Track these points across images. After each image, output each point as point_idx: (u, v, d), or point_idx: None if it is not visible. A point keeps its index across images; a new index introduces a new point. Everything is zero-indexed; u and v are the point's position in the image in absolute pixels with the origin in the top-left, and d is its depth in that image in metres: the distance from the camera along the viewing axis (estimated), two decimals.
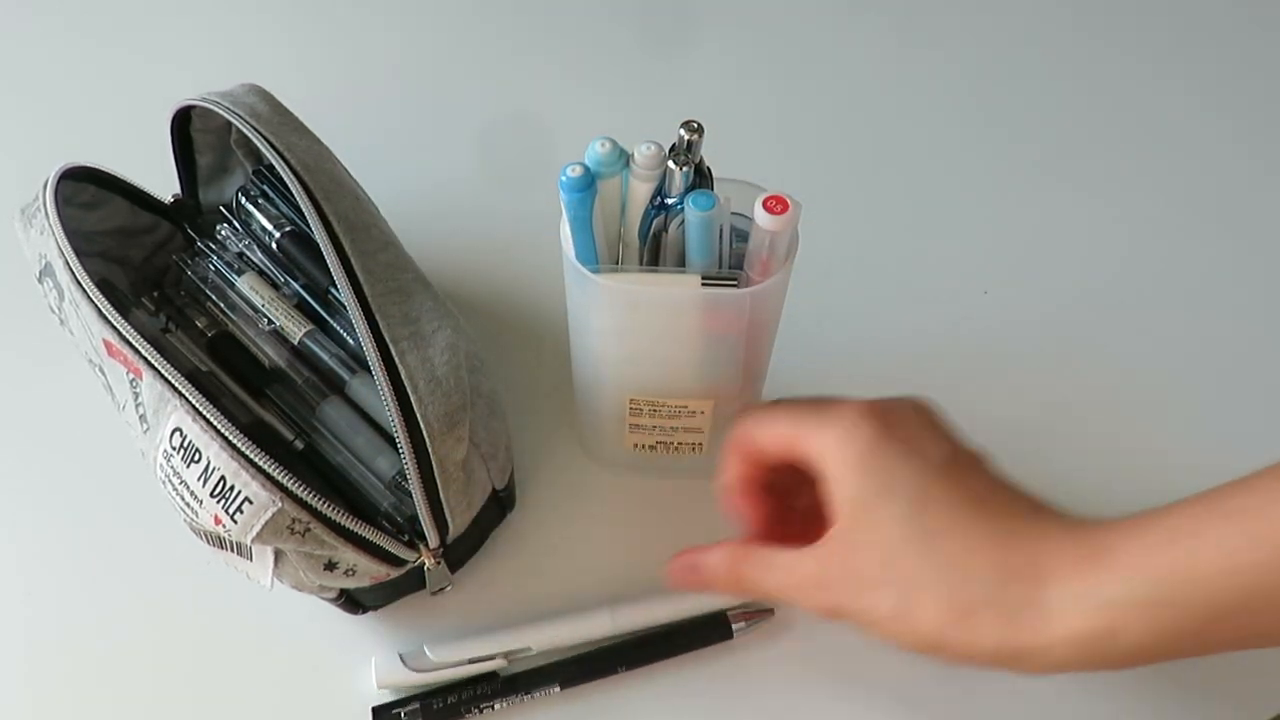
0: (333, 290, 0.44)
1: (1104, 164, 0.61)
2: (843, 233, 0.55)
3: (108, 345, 0.40)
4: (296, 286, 0.45)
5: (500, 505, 0.46)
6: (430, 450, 0.38)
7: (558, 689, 0.44)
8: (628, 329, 0.41)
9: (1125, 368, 0.53)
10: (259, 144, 0.42)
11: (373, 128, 0.61)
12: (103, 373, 0.42)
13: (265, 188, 0.47)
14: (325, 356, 0.43)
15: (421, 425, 0.38)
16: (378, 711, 0.44)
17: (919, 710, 0.44)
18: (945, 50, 0.66)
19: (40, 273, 0.43)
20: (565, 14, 0.67)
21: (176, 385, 0.37)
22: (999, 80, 0.64)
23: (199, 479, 0.37)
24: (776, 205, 0.35)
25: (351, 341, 0.43)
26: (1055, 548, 0.33)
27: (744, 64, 0.65)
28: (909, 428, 0.37)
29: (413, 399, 0.38)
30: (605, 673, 0.45)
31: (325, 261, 0.40)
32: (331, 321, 0.44)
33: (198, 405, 0.37)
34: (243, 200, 0.47)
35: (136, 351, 0.38)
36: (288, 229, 0.46)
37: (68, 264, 0.40)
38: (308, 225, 0.41)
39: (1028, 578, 0.33)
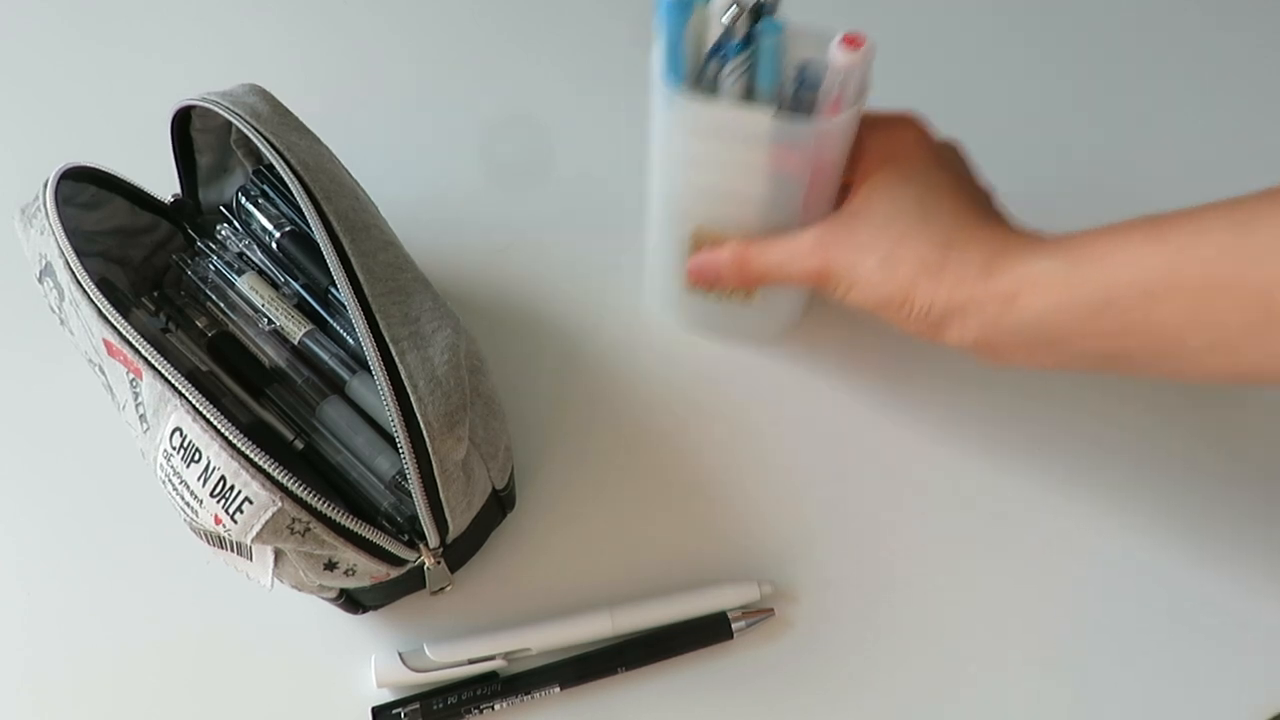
0: (333, 290, 0.44)
1: (1102, 164, 0.61)
2: None
3: (108, 345, 0.40)
4: (296, 286, 0.45)
5: (500, 505, 0.46)
6: (430, 450, 0.38)
7: (558, 689, 0.44)
8: (700, 157, 0.43)
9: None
10: (259, 144, 0.42)
11: (373, 128, 0.61)
12: (103, 372, 0.42)
13: (265, 188, 0.47)
14: (325, 356, 0.43)
15: (421, 425, 0.38)
16: (377, 712, 0.44)
17: (917, 710, 0.44)
18: (947, 53, 0.65)
19: (40, 273, 0.43)
20: (565, 14, 0.67)
21: (176, 385, 0.37)
22: (1002, 80, 0.64)
23: (199, 479, 0.37)
24: (852, 43, 0.37)
25: (351, 341, 0.43)
26: (1022, 237, 0.39)
27: None
28: (945, 148, 0.43)
29: (412, 399, 0.38)
30: (605, 673, 0.45)
31: (325, 261, 0.40)
32: (332, 321, 0.44)
33: (198, 405, 0.37)
34: (243, 200, 0.47)
35: (136, 351, 0.38)
36: (288, 229, 0.46)
37: (68, 264, 0.40)
38: (308, 225, 0.41)
39: (990, 251, 0.39)
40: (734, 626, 0.45)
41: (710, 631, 0.45)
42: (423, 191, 0.59)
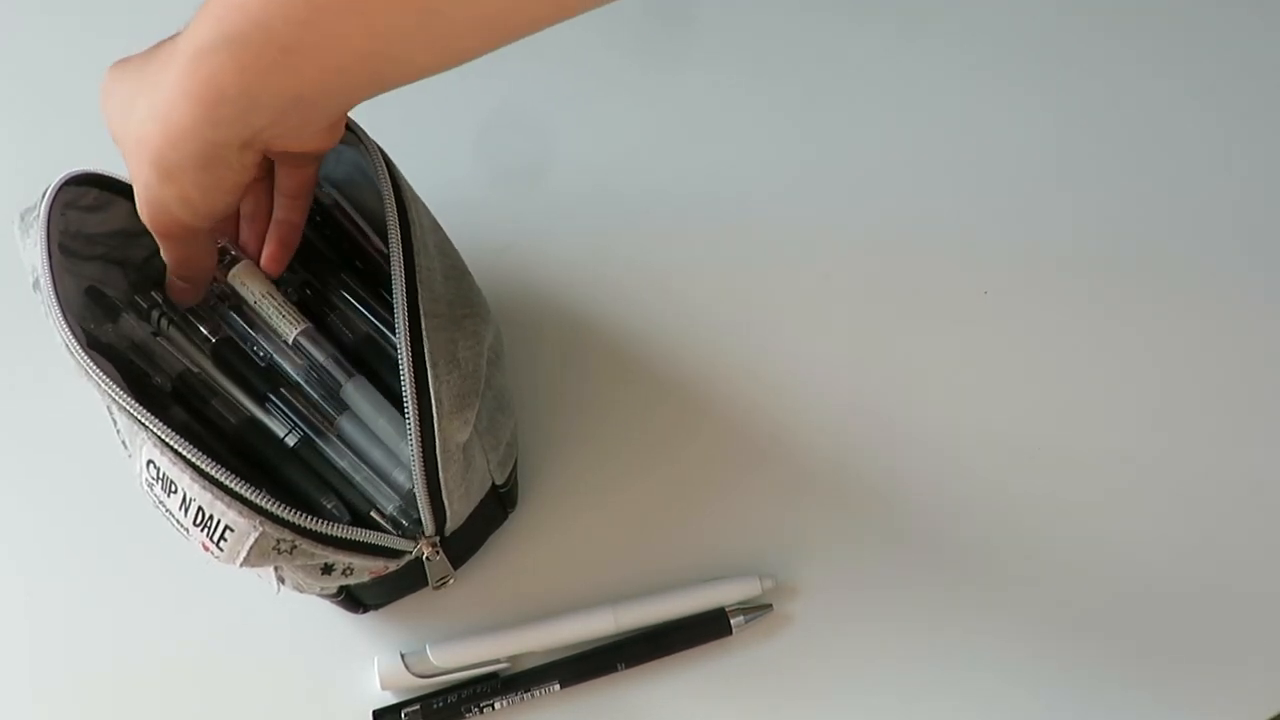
0: (344, 275, 0.44)
1: (1101, 164, 0.60)
2: (839, 239, 0.55)
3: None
4: (302, 275, 0.44)
5: (502, 504, 0.46)
6: (436, 428, 0.37)
7: (557, 687, 0.44)
8: None
9: (1129, 370, 0.53)
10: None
11: (370, 128, 0.61)
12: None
13: None
14: (321, 358, 0.42)
15: (433, 400, 0.37)
16: (379, 714, 0.44)
17: (917, 705, 0.44)
18: (948, 53, 0.64)
19: (33, 284, 0.43)
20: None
21: (140, 419, 0.36)
22: (1000, 82, 0.63)
23: (180, 509, 0.36)
24: None
25: (351, 337, 0.43)
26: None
27: (744, 66, 0.65)
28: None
29: (430, 374, 0.37)
30: (605, 670, 0.45)
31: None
32: (331, 315, 0.43)
33: (164, 437, 0.36)
34: None
35: (99, 387, 0.37)
36: None
37: (51, 281, 0.40)
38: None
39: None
40: (732, 622, 0.45)
41: (709, 628, 0.45)
42: (420, 192, 0.58)
